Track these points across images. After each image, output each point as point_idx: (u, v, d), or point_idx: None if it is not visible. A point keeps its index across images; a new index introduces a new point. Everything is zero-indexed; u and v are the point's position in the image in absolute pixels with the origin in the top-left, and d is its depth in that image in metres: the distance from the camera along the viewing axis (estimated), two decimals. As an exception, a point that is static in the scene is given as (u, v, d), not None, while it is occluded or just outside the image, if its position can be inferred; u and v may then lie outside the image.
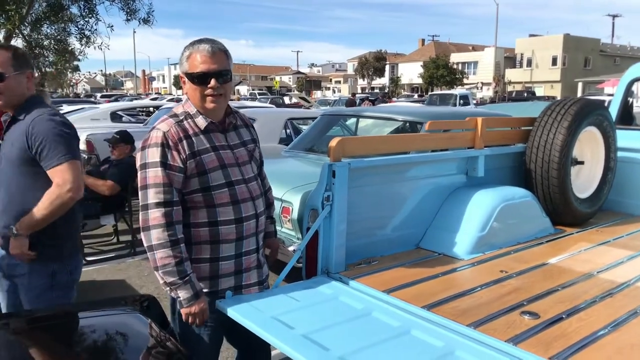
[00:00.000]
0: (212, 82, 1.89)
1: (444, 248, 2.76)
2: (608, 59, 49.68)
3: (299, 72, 76.41)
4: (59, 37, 7.35)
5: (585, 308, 2.07)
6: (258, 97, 33.26)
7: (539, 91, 41.90)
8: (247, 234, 1.99)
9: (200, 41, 1.92)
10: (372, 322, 1.95)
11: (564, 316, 1.98)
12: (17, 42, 7.48)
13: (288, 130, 7.11)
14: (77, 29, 6.98)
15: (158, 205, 1.82)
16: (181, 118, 1.93)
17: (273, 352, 2.26)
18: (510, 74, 48.72)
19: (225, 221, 1.93)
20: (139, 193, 1.88)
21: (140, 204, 1.87)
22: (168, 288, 1.87)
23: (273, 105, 15.49)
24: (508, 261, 2.64)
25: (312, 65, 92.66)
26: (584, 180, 3.49)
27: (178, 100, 21.73)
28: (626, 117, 4.11)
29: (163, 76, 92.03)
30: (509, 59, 50.83)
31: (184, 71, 1.93)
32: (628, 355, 1.71)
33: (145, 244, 1.85)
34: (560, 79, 45.58)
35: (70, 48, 7.37)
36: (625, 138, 3.74)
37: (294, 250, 3.42)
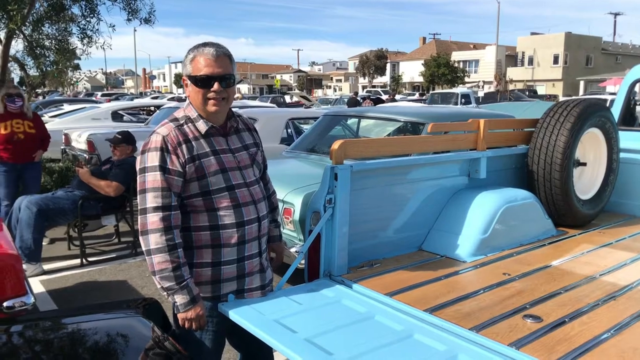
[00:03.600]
0: (215, 85, 1.89)
1: (446, 250, 2.76)
2: (610, 57, 49.59)
3: (299, 71, 76.34)
4: (60, 37, 7.33)
5: (587, 311, 2.07)
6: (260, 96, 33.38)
7: (541, 90, 41.84)
8: (249, 237, 1.98)
9: (204, 44, 1.91)
10: (375, 325, 1.95)
11: (566, 320, 1.98)
12: (18, 42, 7.46)
13: (289, 130, 7.11)
14: (78, 29, 6.96)
15: (156, 209, 1.83)
16: (181, 122, 1.94)
17: (276, 355, 2.26)
18: (512, 73, 48.63)
19: (226, 225, 1.92)
20: (138, 197, 1.88)
21: (139, 208, 1.88)
22: (165, 293, 1.87)
23: (274, 105, 15.49)
24: (511, 263, 2.64)
25: (313, 63, 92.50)
26: (587, 182, 3.48)
27: (179, 99, 21.76)
28: (629, 118, 4.10)
29: (163, 74, 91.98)
30: (511, 58, 50.75)
31: (187, 74, 1.93)
32: (631, 360, 1.71)
33: (143, 248, 1.86)
34: (562, 77, 45.50)
35: (71, 48, 7.36)
36: (627, 139, 3.73)
37: (296, 252, 3.43)
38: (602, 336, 1.86)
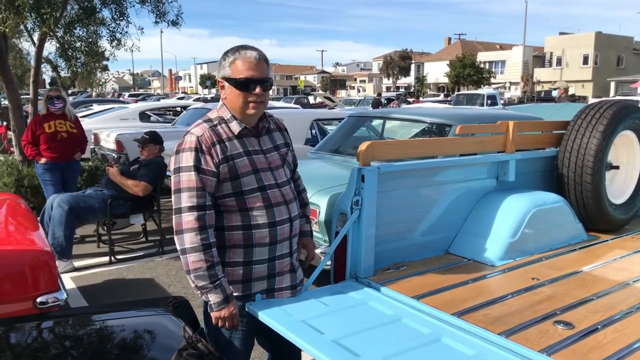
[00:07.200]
0: (257, 89, 1.91)
1: (473, 254, 2.73)
2: (642, 57, 48.27)
3: (323, 72, 76.37)
4: (90, 39, 7.49)
5: (621, 319, 2.02)
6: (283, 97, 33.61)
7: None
8: (281, 238, 2.00)
9: (244, 47, 1.93)
10: (402, 328, 1.94)
11: (599, 327, 1.94)
12: (51, 44, 7.66)
13: (314, 131, 7.13)
14: (108, 31, 7.10)
15: (191, 209, 1.85)
16: (215, 123, 1.96)
17: (303, 355, 2.27)
18: (539, 73, 47.76)
19: (259, 225, 1.94)
20: (173, 196, 1.91)
21: (173, 207, 1.90)
22: (199, 292, 1.90)
23: (298, 106, 15.54)
24: (540, 268, 2.59)
25: (337, 64, 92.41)
26: (619, 186, 3.40)
27: (205, 100, 22.00)
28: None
29: (189, 75, 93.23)
30: (538, 58, 49.85)
31: (226, 76, 1.93)
32: (667, 369, 1.67)
33: (178, 247, 1.88)
34: (592, 78, 44.46)
35: (101, 50, 7.52)
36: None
37: (321, 253, 3.43)
38: (635, 344, 1.82)
